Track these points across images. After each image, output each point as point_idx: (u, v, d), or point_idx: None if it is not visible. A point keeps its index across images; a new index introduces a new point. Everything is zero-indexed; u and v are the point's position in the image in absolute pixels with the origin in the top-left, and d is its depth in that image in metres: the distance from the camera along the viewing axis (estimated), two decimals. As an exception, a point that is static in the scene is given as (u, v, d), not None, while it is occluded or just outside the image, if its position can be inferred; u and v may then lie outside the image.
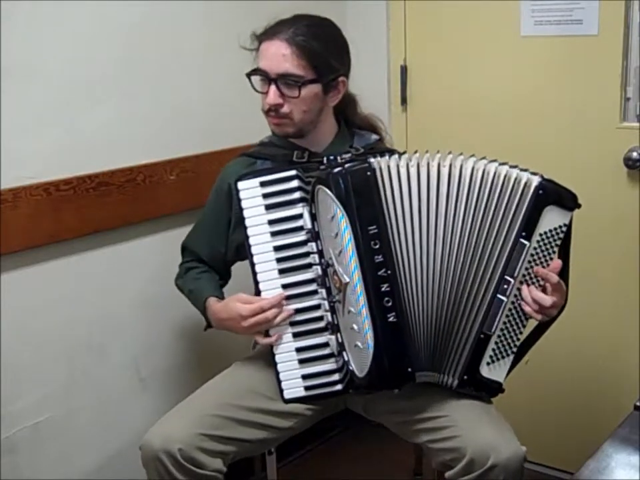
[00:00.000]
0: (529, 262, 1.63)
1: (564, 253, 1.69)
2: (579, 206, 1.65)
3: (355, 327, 1.64)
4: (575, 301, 2.38)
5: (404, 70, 2.58)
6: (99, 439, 2.11)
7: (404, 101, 2.61)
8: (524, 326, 1.66)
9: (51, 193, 1.89)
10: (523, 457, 1.62)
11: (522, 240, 1.62)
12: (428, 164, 1.64)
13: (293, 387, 1.76)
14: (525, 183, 1.62)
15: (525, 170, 1.65)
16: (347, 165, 1.63)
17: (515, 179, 1.62)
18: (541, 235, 1.63)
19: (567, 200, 1.64)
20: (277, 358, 1.75)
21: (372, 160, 1.63)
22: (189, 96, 2.19)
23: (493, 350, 1.65)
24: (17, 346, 1.90)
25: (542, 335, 1.73)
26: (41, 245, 1.91)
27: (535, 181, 1.62)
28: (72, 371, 2.03)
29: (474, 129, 2.47)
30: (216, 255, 1.93)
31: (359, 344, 1.64)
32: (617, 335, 2.33)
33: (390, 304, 1.61)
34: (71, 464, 2.05)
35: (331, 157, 1.75)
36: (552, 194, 1.62)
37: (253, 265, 1.75)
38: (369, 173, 1.61)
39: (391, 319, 1.62)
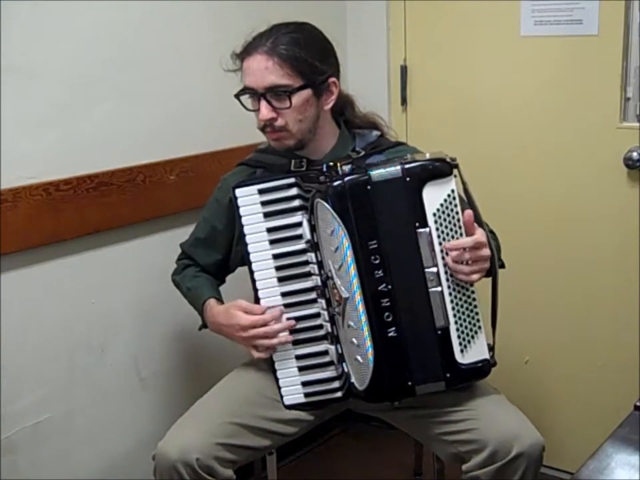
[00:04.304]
0: (441, 243, 1.58)
1: (469, 202, 1.65)
2: (455, 165, 1.60)
3: (355, 341, 1.64)
4: (575, 300, 2.39)
5: (404, 70, 2.58)
6: (98, 439, 2.11)
7: (404, 101, 2.61)
8: (474, 299, 1.62)
9: (50, 193, 1.89)
10: (543, 445, 1.62)
11: (419, 230, 1.57)
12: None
13: (293, 393, 1.76)
14: (390, 180, 1.58)
15: (382, 166, 1.61)
16: (346, 179, 1.60)
17: (380, 181, 1.58)
18: (434, 214, 1.58)
19: (438, 171, 1.58)
20: (277, 365, 1.75)
21: (372, 172, 1.60)
22: (188, 96, 2.19)
23: (459, 337, 1.61)
24: (17, 345, 1.90)
25: (497, 289, 1.69)
26: (41, 244, 1.91)
27: (397, 172, 1.58)
28: (72, 370, 2.03)
29: (474, 129, 2.47)
30: (212, 263, 1.92)
31: (359, 358, 1.64)
32: (617, 334, 2.33)
33: (390, 319, 1.61)
34: (70, 464, 2.05)
35: (330, 164, 1.73)
36: (419, 174, 1.57)
37: (252, 272, 1.74)
38: (369, 187, 1.59)
39: (391, 334, 1.62)
